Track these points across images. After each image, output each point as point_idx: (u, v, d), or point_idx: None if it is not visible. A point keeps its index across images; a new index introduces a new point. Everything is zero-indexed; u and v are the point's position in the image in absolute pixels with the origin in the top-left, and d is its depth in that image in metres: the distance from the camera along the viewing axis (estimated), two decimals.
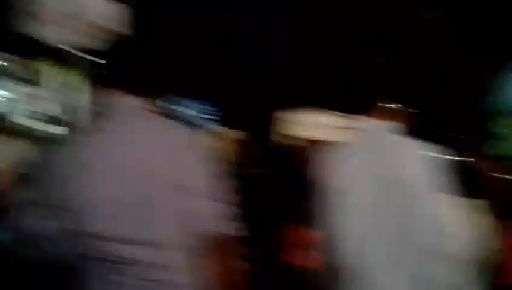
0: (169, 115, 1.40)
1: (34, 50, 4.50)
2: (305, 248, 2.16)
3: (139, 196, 1.16)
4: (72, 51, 5.89)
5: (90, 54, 6.73)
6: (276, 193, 2.49)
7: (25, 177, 3.43)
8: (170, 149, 1.20)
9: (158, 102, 1.32)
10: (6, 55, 9.51)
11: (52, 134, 4.43)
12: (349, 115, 1.69)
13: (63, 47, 4.68)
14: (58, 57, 6.34)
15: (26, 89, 9.61)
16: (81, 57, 6.60)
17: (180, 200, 1.19)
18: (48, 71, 6.00)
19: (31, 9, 4.10)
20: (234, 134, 4.41)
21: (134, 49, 1.32)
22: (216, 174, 1.26)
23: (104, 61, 1.32)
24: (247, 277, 1.34)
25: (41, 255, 1.29)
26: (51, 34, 4.19)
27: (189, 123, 1.44)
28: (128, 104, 1.28)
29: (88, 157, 1.19)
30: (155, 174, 1.17)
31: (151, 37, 1.39)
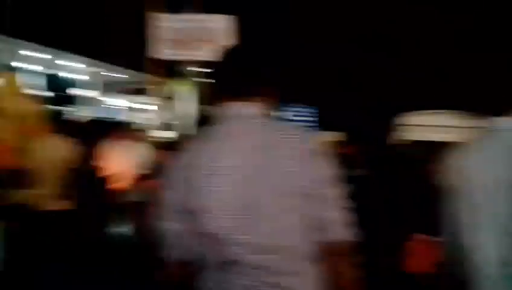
0: (283, 120, 1.38)
1: (151, 64, 4.98)
2: (424, 254, 2.02)
3: (263, 201, 1.15)
4: (188, 64, 6.45)
5: (204, 66, 7.25)
6: (389, 196, 2.38)
7: (146, 178, 3.82)
8: (295, 155, 1.17)
9: (272, 108, 1.28)
10: (126, 70, 10.75)
11: (169, 139, 4.85)
12: (477, 115, 1.53)
13: (178, 60, 5.17)
14: (174, 70, 6.99)
15: (145, 99, 10.72)
16: (196, 68, 7.18)
17: (305, 206, 1.16)
18: (165, 83, 6.63)
19: (157, 33, 4.59)
20: (335, 136, 4.34)
21: (244, 57, 1.34)
22: (337, 179, 1.22)
23: (216, 71, 1.36)
24: (363, 284, 1.30)
25: (165, 253, 1.31)
26: (171, 52, 4.63)
27: (301, 127, 1.40)
28: (246, 111, 1.23)
29: (211, 162, 1.19)
30: (280, 180, 1.15)
31: (258, 44, 1.41)
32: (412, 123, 7.07)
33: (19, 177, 3.24)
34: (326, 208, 1.17)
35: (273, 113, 1.30)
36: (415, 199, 2.12)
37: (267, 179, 1.14)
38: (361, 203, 1.71)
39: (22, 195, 3.24)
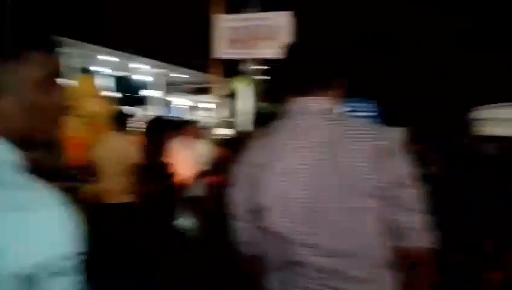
0: (353, 116, 1.27)
1: (212, 64, 5.09)
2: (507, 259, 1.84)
3: (330, 201, 1.07)
4: (249, 62, 6.54)
5: (264, 64, 7.32)
6: (463, 195, 2.19)
7: (207, 174, 3.91)
8: (367, 152, 1.06)
9: (340, 102, 1.20)
10: (188, 70, 11.15)
11: (228, 136, 4.93)
12: None
13: (239, 59, 5.26)
14: (235, 68, 7.13)
15: (206, 98, 11.05)
16: (256, 66, 7.27)
17: (379, 208, 1.05)
18: (225, 81, 6.78)
19: (218, 34, 4.70)
20: (400, 132, 4.13)
21: (310, 51, 1.20)
22: (414, 179, 1.08)
23: (282, 67, 1.23)
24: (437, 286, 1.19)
25: (239, 249, 1.29)
26: (233, 51, 4.70)
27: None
28: (312, 106, 1.16)
29: (275, 160, 1.14)
30: (350, 179, 1.05)
31: (319, 39, 1.33)
32: (488, 117, 6.53)
33: (88, 172, 3.48)
34: (402, 212, 1.06)
35: (341, 108, 1.20)
36: (491, 198, 1.93)
37: (334, 178, 1.06)
38: (433, 204, 1.58)
39: (90, 189, 3.47)
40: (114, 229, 3.04)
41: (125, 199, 3.28)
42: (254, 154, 1.20)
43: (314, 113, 1.15)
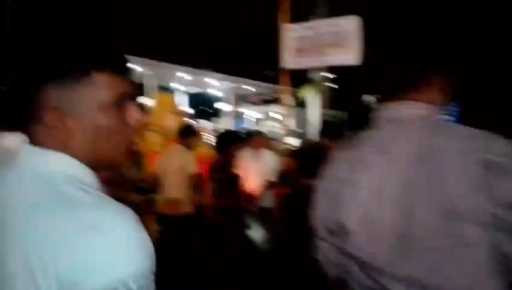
0: (453, 123, 1.01)
1: (280, 74, 5.12)
2: None
3: (422, 226, 0.91)
4: (317, 70, 6.47)
5: (332, 71, 7.21)
6: None
7: (275, 185, 3.91)
8: (473, 168, 0.88)
9: (441, 106, 1.01)
10: (255, 82, 11.36)
11: (296, 147, 4.90)
12: None
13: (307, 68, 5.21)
14: (302, 77, 7.11)
15: (273, 108, 11.15)
16: (324, 74, 7.17)
17: (487, 238, 0.87)
18: (293, 91, 6.77)
19: (286, 44, 4.74)
20: None
21: (394, 47, 1.06)
22: None
23: (369, 69, 1.10)
24: None
25: (323, 268, 1.17)
26: (301, 60, 4.69)
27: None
28: (405, 112, 1.00)
29: (357, 174, 1.02)
30: (449, 200, 0.88)
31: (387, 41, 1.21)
32: None
33: (154, 183, 3.69)
34: None
35: (441, 113, 1.01)
36: None
37: (429, 199, 0.89)
38: None
39: (159, 200, 3.68)
40: (175, 240, 3.16)
41: (187, 209, 3.42)
42: (336, 168, 1.08)
43: (407, 120, 0.98)
